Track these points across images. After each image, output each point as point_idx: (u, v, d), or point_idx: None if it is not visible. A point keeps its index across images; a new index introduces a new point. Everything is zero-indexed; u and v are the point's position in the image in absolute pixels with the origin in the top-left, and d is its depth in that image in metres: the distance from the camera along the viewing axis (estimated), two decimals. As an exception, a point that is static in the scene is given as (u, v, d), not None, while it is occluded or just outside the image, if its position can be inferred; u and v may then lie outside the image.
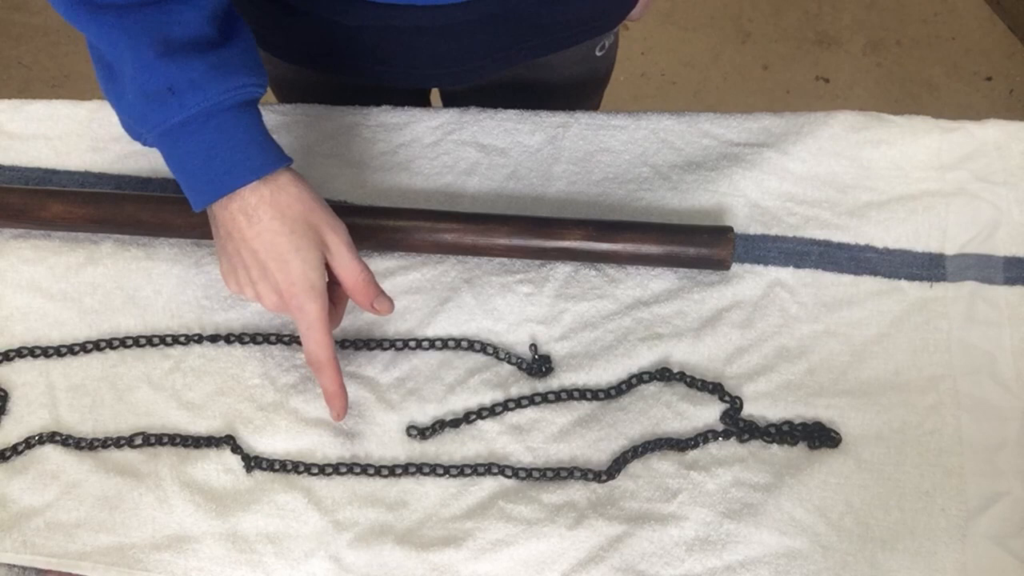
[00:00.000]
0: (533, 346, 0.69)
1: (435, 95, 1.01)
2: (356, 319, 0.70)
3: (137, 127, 0.60)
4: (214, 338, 0.69)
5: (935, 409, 0.65)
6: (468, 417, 0.66)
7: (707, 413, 0.66)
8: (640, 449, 0.64)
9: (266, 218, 0.59)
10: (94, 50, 0.60)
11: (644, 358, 0.68)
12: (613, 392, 0.67)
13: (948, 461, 0.64)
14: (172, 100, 0.57)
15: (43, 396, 0.68)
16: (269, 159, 0.60)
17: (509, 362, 0.68)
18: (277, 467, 0.65)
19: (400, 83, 0.80)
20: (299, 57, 0.80)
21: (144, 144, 0.61)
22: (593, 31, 0.82)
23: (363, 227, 0.69)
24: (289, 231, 0.60)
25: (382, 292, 0.64)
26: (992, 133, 0.74)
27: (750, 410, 0.66)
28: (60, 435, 0.66)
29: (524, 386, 0.67)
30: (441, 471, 0.64)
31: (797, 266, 0.70)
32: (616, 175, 0.75)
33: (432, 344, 0.69)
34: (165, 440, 0.66)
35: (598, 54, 0.87)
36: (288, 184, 0.60)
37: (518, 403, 0.66)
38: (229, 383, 0.68)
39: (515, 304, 0.70)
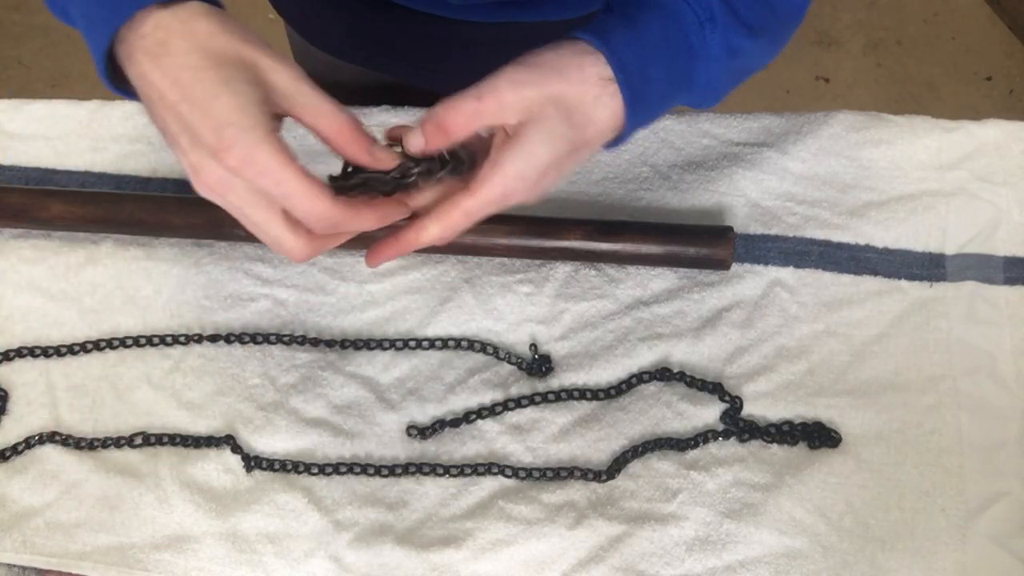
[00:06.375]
0: (533, 346, 0.69)
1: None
2: (356, 319, 0.70)
3: None
4: (214, 338, 0.69)
5: (935, 409, 0.65)
6: (468, 417, 0.66)
7: (707, 413, 0.66)
8: (640, 449, 0.64)
9: (179, 52, 0.45)
10: None
11: (644, 358, 0.68)
12: (613, 392, 0.67)
13: (948, 461, 0.64)
14: None
15: (43, 396, 0.68)
16: None
17: (509, 362, 0.68)
18: (277, 467, 0.65)
19: (425, 86, 0.78)
20: (334, 48, 0.78)
21: (64, 21, 0.52)
22: None
23: (363, 227, 0.69)
24: (215, 64, 0.45)
25: (376, 140, 0.50)
26: (992, 133, 0.74)
27: (750, 410, 0.66)
28: (60, 435, 0.66)
29: (524, 386, 0.67)
30: (441, 471, 0.64)
31: (797, 266, 0.70)
32: (616, 175, 0.75)
33: (432, 344, 0.69)
34: (165, 440, 0.66)
35: None
36: (205, 12, 0.47)
37: (518, 403, 0.66)
38: (229, 383, 0.68)
39: (515, 304, 0.70)
